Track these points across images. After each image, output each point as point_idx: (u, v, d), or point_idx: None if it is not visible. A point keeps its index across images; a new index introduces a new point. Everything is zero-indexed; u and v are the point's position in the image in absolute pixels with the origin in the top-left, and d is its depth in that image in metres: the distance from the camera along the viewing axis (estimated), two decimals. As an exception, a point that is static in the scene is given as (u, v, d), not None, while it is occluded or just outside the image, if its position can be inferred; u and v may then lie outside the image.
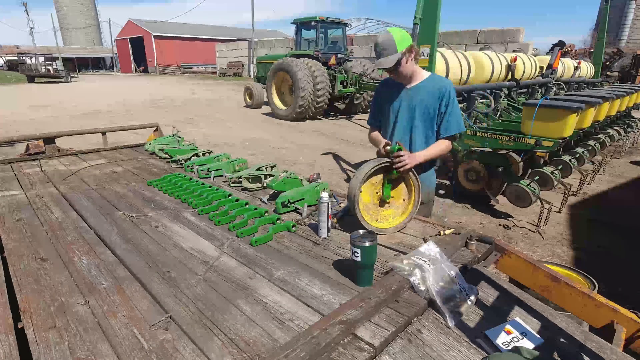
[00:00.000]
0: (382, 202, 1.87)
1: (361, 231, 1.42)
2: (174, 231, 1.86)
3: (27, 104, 13.68)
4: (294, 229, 1.87)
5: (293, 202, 2.07)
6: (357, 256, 1.33)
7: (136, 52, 42.94)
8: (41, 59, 28.12)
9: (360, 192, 1.74)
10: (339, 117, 11.63)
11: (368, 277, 1.40)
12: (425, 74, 2.11)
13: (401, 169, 1.79)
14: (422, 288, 1.28)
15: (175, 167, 3.06)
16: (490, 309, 1.28)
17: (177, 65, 38.45)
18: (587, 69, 8.96)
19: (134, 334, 1.13)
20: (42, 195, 2.37)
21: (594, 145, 5.32)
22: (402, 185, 1.92)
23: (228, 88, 20.58)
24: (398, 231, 1.84)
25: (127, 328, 1.16)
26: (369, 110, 12.45)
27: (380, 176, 1.85)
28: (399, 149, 1.80)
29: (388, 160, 1.81)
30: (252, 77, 23.46)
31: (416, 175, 1.88)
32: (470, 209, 4.45)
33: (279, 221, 1.92)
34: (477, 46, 13.07)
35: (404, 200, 1.92)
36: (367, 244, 1.32)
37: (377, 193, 1.86)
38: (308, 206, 2.05)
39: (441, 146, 2.09)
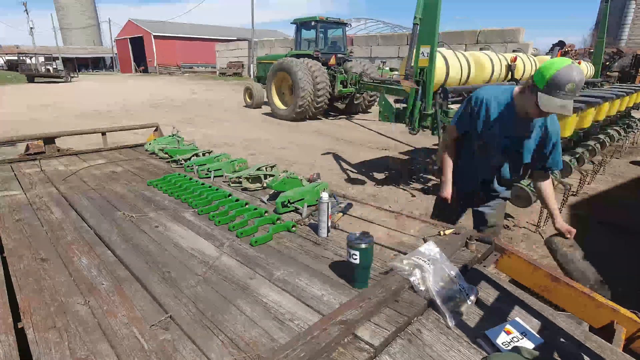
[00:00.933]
0: None
1: (357, 232, 1.42)
2: (174, 231, 1.86)
3: (27, 104, 13.68)
4: (294, 229, 1.87)
5: (293, 202, 2.07)
6: (356, 258, 1.33)
7: (136, 52, 42.92)
8: (41, 59, 28.10)
9: None
10: (339, 117, 11.62)
11: (365, 279, 1.39)
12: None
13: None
14: (422, 288, 1.28)
15: (175, 167, 3.06)
16: (490, 309, 1.28)
17: (177, 65, 38.42)
18: (587, 69, 8.96)
19: (134, 334, 1.13)
20: (42, 195, 2.37)
21: (594, 145, 5.31)
22: None
23: (228, 88, 20.58)
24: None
25: (127, 328, 1.16)
26: (369, 111, 12.46)
27: None
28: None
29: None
30: (252, 77, 23.45)
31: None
32: (470, 209, 4.45)
33: (279, 221, 1.92)
34: (477, 46, 13.07)
35: None
36: (364, 245, 1.32)
37: None
38: (308, 206, 2.05)
39: (551, 188, 2.09)
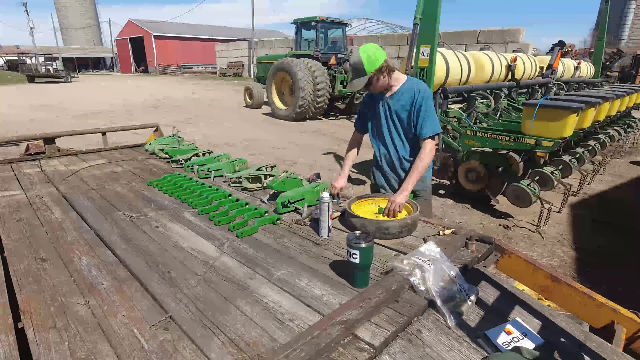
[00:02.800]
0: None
1: (357, 232, 1.42)
2: (174, 231, 1.86)
3: (27, 104, 13.69)
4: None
5: (293, 202, 2.07)
6: (356, 257, 1.33)
7: (136, 52, 42.93)
8: (41, 59, 28.12)
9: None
10: (339, 117, 11.62)
11: (365, 279, 1.40)
12: (401, 79, 2.15)
13: (396, 212, 1.90)
14: (422, 288, 1.27)
15: (175, 167, 3.06)
16: (491, 309, 1.28)
17: (177, 65, 38.44)
18: (587, 69, 8.96)
19: (134, 334, 1.13)
20: (42, 195, 2.37)
21: (594, 145, 5.31)
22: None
23: (228, 88, 20.58)
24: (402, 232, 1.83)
25: (127, 328, 1.16)
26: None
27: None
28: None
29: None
30: (252, 77, 23.45)
31: (410, 200, 1.98)
32: (470, 209, 4.45)
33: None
34: (477, 46, 13.07)
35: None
36: (364, 245, 1.32)
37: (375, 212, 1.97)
38: (308, 206, 2.05)
39: (425, 159, 2.07)
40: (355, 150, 2.41)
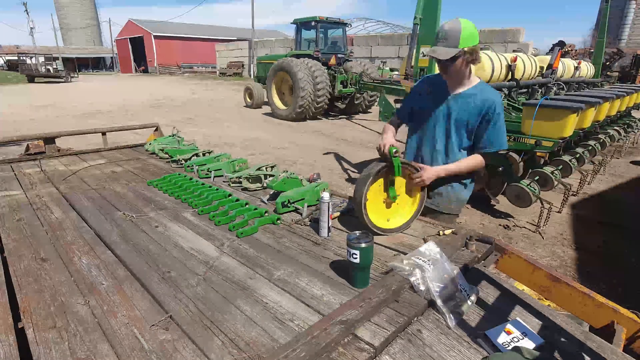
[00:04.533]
0: (389, 204, 1.86)
1: (357, 232, 1.42)
2: (174, 231, 1.86)
3: (27, 104, 13.69)
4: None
5: (293, 202, 2.07)
6: (356, 257, 1.33)
7: (136, 52, 42.94)
8: (41, 59, 28.11)
9: (367, 200, 1.70)
10: (339, 117, 11.63)
11: (365, 278, 1.40)
12: (475, 81, 1.91)
13: (419, 184, 1.81)
14: (422, 288, 1.27)
15: (175, 167, 3.06)
16: (491, 309, 1.28)
17: (177, 65, 38.44)
18: (587, 69, 8.96)
19: (134, 334, 1.13)
20: (42, 195, 2.37)
21: (594, 145, 5.31)
22: (407, 185, 1.89)
23: (228, 88, 20.59)
24: (403, 231, 1.84)
25: (127, 328, 1.16)
26: (369, 111, 12.47)
27: (382, 180, 1.80)
28: (396, 150, 1.73)
29: (386, 164, 1.75)
30: (252, 77, 23.45)
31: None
32: (470, 209, 4.45)
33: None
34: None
35: (409, 197, 1.91)
36: (364, 245, 1.32)
37: (383, 196, 1.83)
38: (308, 206, 2.05)
39: (470, 162, 1.94)
40: (396, 129, 2.12)
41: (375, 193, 1.79)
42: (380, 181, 1.79)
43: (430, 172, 1.84)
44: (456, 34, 1.71)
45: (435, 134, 1.99)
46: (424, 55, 3.91)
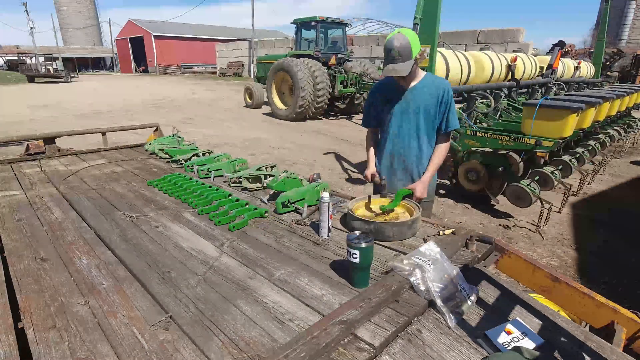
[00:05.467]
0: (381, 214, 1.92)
1: (357, 232, 1.42)
2: (174, 231, 1.86)
3: (27, 104, 13.69)
4: (266, 214, 2.01)
5: (293, 202, 2.07)
6: (356, 257, 1.33)
7: (136, 52, 42.93)
8: (41, 59, 28.11)
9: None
10: (339, 117, 11.63)
11: (365, 278, 1.40)
12: (421, 74, 2.11)
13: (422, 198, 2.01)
14: (422, 288, 1.27)
15: (175, 167, 3.06)
16: (491, 309, 1.28)
17: (177, 65, 38.44)
18: (587, 69, 8.96)
19: (134, 334, 1.13)
20: (42, 195, 2.37)
21: (594, 145, 5.31)
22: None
23: (228, 88, 20.59)
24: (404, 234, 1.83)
25: (127, 328, 1.16)
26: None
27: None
28: (408, 194, 1.97)
29: (380, 197, 1.99)
30: (252, 77, 23.44)
31: (411, 201, 1.98)
32: (470, 209, 4.45)
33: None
34: (477, 46, 13.07)
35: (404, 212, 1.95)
36: (364, 245, 1.32)
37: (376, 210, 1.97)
38: (308, 206, 2.05)
39: (442, 151, 2.16)
40: (375, 143, 2.33)
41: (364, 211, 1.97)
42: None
43: (422, 186, 2.09)
44: (407, 49, 1.86)
45: (405, 130, 2.16)
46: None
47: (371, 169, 2.22)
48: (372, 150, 2.31)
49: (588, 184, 5.18)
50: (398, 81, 2.08)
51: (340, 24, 11.38)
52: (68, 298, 1.30)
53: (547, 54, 8.93)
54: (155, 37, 39.43)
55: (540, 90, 6.84)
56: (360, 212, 1.93)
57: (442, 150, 2.16)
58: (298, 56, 10.61)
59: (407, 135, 2.16)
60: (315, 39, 10.86)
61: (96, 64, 52.24)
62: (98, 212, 2.10)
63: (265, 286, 1.39)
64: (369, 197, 2.03)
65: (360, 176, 5.61)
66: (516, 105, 6.15)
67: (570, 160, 4.54)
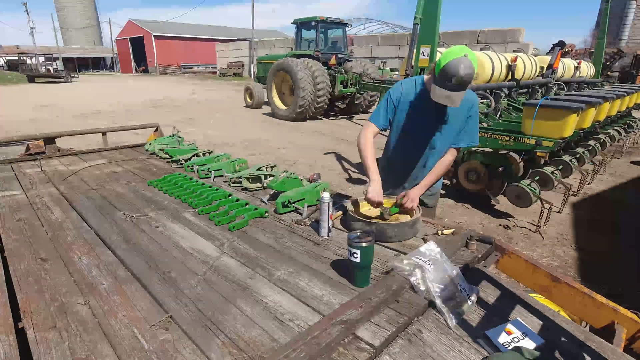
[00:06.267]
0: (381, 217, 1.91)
1: (358, 231, 1.42)
2: (174, 231, 1.86)
3: (28, 104, 13.69)
4: (266, 214, 2.01)
5: (293, 202, 2.07)
6: (357, 257, 1.33)
7: (136, 52, 42.94)
8: (41, 59, 28.13)
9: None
10: (340, 117, 11.63)
11: (366, 278, 1.40)
12: None
13: (412, 208, 1.87)
14: (423, 288, 1.27)
15: (175, 167, 3.06)
16: (491, 309, 1.28)
17: (177, 66, 38.45)
18: (587, 69, 8.96)
19: (134, 334, 1.13)
20: (42, 195, 2.37)
21: (594, 145, 5.31)
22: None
23: (228, 88, 20.59)
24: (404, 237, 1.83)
25: (128, 328, 1.16)
26: (369, 111, 12.48)
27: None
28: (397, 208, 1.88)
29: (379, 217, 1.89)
30: (252, 77, 23.44)
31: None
32: (470, 209, 4.45)
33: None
34: (477, 46, 13.07)
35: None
36: (364, 244, 1.32)
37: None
38: (308, 206, 2.05)
39: (445, 164, 2.01)
40: (374, 150, 2.03)
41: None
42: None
43: (414, 194, 1.90)
44: (470, 79, 1.68)
45: (428, 141, 2.04)
46: (424, 55, 3.91)
47: (377, 191, 1.83)
48: (374, 161, 1.95)
49: (588, 184, 5.17)
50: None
51: (341, 24, 11.38)
52: (68, 298, 1.30)
53: (547, 54, 8.93)
54: (156, 37, 39.44)
55: (540, 90, 6.83)
56: (361, 212, 1.94)
57: (445, 163, 2.02)
58: (298, 56, 10.61)
59: (422, 146, 2.05)
60: (316, 39, 10.86)
61: (96, 64, 52.26)
62: (98, 212, 2.10)
63: (266, 286, 1.39)
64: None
65: (360, 176, 5.61)
66: (516, 105, 6.14)
67: (570, 160, 4.54)
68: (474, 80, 5.38)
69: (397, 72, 11.83)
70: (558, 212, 4.26)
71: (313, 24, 10.76)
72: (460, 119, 1.97)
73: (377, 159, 2.01)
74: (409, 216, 1.88)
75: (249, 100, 12.99)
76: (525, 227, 4.01)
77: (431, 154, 2.07)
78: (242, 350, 1.07)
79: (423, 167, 2.12)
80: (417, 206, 1.90)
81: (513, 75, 6.08)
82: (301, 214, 2.02)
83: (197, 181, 2.56)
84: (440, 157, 2.06)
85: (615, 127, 6.39)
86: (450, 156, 2.03)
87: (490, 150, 4.31)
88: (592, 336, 1.15)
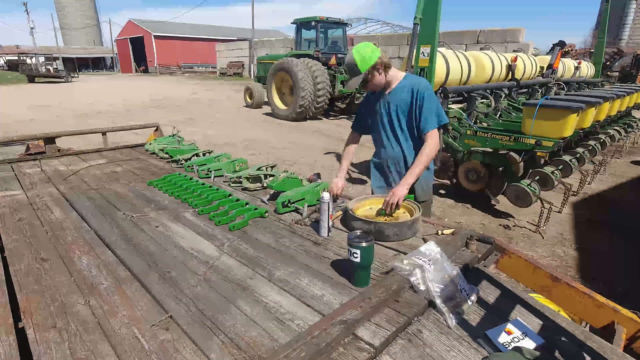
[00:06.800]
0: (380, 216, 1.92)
1: (358, 231, 1.42)
2: (174, 231, 1.86)
3: (28, 104, 13.69)
4: (266, 214, 2.01)
5: (293, 202, 2.07)
6: (357, 257, 1.33)
7: (136, 52, 42.95)
8: (41, 59, 28.13)
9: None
10: (339, 117, 11.62)
11: (366, 278, 1.40)
12: (400, 76, 2.13)
13: (395, 208, 1.89)
14: (423, 288, 1.27)
15: (175, 167, 3.06)
16: (491, 309, 1.28)
17: (177, 65, 38.46)
18: (587, 69, 8.96)
19: (134, 334, 1.13)
20: (42, 195, 2.37)
21: (594, 145, 5.31)
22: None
23: (228, 88, 20.58)
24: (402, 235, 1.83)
25: (128, 328, 1.16)
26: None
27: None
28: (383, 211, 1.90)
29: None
30: (252, 77, 23.44)
31: (411, 201, 1.95)
32: (470, 209, 4.45)
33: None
34: (477, 46, 13.06)
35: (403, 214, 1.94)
36: (364, 244, 1.32)
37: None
38: (308, 206, 2.05)
39: (427, 152, 2.03)
40: (353, 147, 2.36)
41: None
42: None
43: (400, 190, 1.92)
44: (353, 65, 1.98)
45: (391, 130, 2.19)
46: (424, 55, 3.91)
47: (340, 181, 2.17)
48: (346, 160, 2.31)
49: (588, 184, 5.17)
50: (373, 90, 2.18)
51: (341, 24, 11.38)
52: (68, 298, 1.30)
53: (547, 54, 8.93)
54: (156, 37, 39.45)
55: (540, 90, 6.83)
56: (361, 212, 1.94)
57: (425, 151, 2.03)
58: (298, 56, 10.61)
59: (392, 139, 2.20)
60: (316, 39, 10.86)
61: (96, 64, 52.26)
62: (98, 212, 2.10)
63: (266, 286, 1.39)
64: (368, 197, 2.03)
65: (360, 176, 5.61)
66: (516, 105, 6.14)
67: (570, 160, 4.54)
68: (473, 80, 5.38)
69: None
70: (558, 212, 4.26)
71: (313, 23, 10.76)
72: (405, 104, 2.09)
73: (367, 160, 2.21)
74: (408, 215, 1.88)
75: (249, 100, 12.99)
76: (525, 227, 4.01)
77: (402, 144, 2.19)
78: (242, 350, 1.07)
79: (403, 159, 2.21)
80: (417, 205, 1.90)
81: (513, 75, 6.09)
82: (301, 214, 2.02)
83: (197, 181, 2.56)
84: (414, 145, 2.16)
85: (615, 127, 6.39)
86: (429, 142, 2.05)
87: (490, 150, 4.31)
88: (592, 336, 1.15)
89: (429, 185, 2.34)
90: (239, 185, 2.51)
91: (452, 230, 1.79)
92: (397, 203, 1.88)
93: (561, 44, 7.93)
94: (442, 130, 2.21)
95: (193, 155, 3.21)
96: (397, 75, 2.13)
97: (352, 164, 6.27)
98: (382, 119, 2.20)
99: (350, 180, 5.49)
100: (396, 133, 2.18)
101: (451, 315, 1.19)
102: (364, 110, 2.33)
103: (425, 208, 2.32)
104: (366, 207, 2.00)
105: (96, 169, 3.04)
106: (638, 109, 7.48)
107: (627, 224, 4.12)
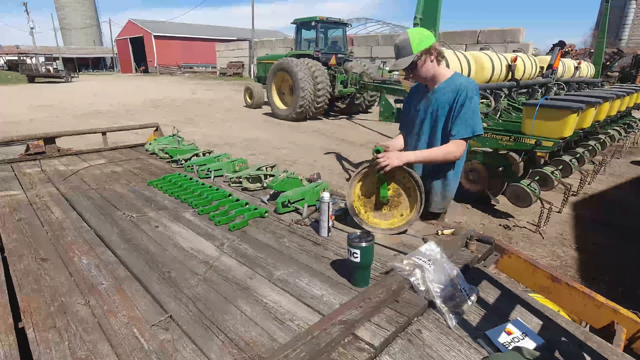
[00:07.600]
0: (381, 204, 1.88)
1: (358, 231, 1.42)
2: (174, 231, 1.86)
3: (28, 104, 13.68)
4: (266, 214, 2.01)
5: (293, 202, 2.07)
6: (357, 257, 1.33)
7: (136, 52, 42.95)
8: (41, 59, 28.11)
9: (353, 200, 1.88)
10: (340, 117, 11.62)
11: (366, 278, 1.40)
12: (449, 74, 1.95)
13: (382, 170, 1.76)
14: (422, 288, 1.27)
15: (175, 167, 3.06)
16: (491, 309, 1.28)
17: (177, 65, 38.45)
18: (587, 69, 8.95)
19: (134, 334, 1.13)
20: (42, 195, 2.37)
21: (594, 145, 5.31)
22: (402, 186, 1.88)
23: (228, 88, 20.58)
24: (401, 232, 1.82)
25: (127, 328, 1.16)
26: (369, 111, 12.46)
27: (370, 181, 1.91)
28: (378, 151, 1.80)
29: (367, 164, 1.87)
30: (252, 77, 23.45)
31: (412, 174, 1.80)
32: (470, 209, 4.45)
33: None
34: (477, 46, 13.07)
35: (404, 200, 1.90)
36: (364, 244, 1.32)
37: (372, 198, 1.91)
38: (308, 206, 2.05)
39: (442, 150, 1.91)
40: (401, 138, 2.18)
41: (365, 193, 1.91)
42: (369, 182, 1.90)
43: (395, 154, 1.79)
44: (407, 44, 1.83)
45: (421, 131, 2.04)
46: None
47: (391, 143, 2.10)
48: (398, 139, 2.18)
49: (588, 184, 5.17)
50: (417, 81, 2.02)
51: (340, 24, 11.38)
52: (68, 298, 1.30)
53: (547, 54, 8.93)
54: (156, 37, 39.44)
55: (540, 90, 6.82)
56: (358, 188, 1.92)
57: (442, 148, 1.92)
58: (298, 56, 10.61)
59: (425, 137, 2.03)
60: (316, 39, 10.86)
61: (96, 64, 52.26)
62: (98, 212, 2.10)
63: (265, 286, 1.39)
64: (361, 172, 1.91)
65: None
66: (516, 105, 6.13)
67: (570, 160, 4.54)
68: (474, 79, 5.36)
69: (397, 72, 11.82)
70: (558, 212, 4.26)
71: (313, 24, 10.76)
72: (447, 105, 1.91)
73: None
74: (408, 211, 1.85)
75: (249, 100, 12.99)
76: (525, 227, 4.01)
77: (427, 144, 2.02)
78: (242, 350, 1.07)
79: (438, 164, 2.04)
80: (420, 197, 1.81)
81: (513, 75, 6.08)
82: (301, 214, 2.02)
83: (197, 181, 2.56)
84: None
85: (615, 127, 6.38)
86: (450, 145, 1.90)
87: (490, 150, 4.31)
88: (592, 336, 1.15)
89: (446, 195, 2.12)
90: (239, 185, 2.51)
91: (452, 230, 1.79)
92: (385, 168, 1.75)
93: (561, 44, 7.94)
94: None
95: (193, 155, 3.20)
96: (444, 72, 1.94)
97: (351, 164, 6.28)
98: (421, 118, 2.02)
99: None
100: (432, 136, 1.99)
101: (451, 315, 1.19)
102: (404, 108, 2.19)
103: (450, 213, 2.21)
104: (367, 207, 1.95)
105: (96, 169, 3.04)
106: (638, 109, 7.48)
107: (627, 224, 4.12)
